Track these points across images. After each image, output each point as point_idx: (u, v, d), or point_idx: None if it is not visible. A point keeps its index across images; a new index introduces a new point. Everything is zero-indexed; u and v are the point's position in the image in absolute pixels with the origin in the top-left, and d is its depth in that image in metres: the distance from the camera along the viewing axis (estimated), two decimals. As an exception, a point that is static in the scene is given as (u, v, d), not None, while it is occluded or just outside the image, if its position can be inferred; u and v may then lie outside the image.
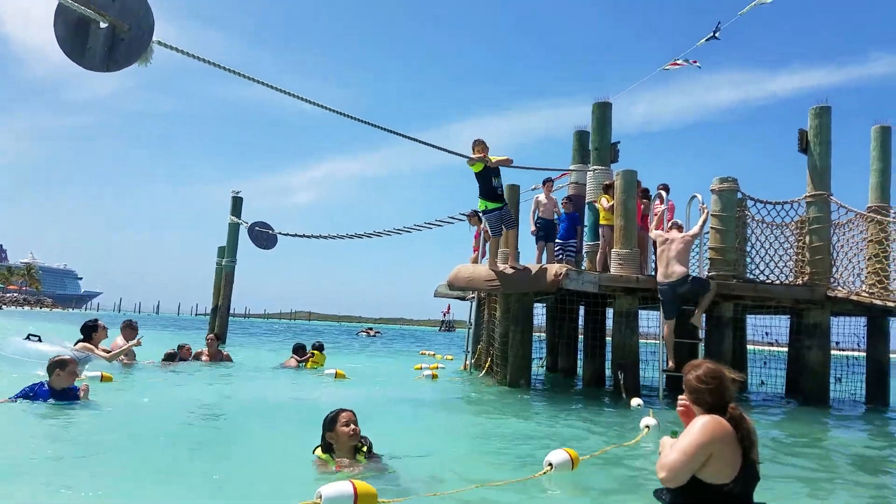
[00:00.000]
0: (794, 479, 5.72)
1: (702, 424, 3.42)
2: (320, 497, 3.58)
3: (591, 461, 5.44)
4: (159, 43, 6.08)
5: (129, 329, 11.28)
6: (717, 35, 13.10)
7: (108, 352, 10.51)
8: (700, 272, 12.68)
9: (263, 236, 25.29)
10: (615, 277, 11.26)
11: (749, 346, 14.78)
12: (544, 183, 13.20)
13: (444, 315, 76.23)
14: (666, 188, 12.03)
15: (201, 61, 6.56)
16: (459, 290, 13.18)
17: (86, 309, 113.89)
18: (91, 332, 10.29)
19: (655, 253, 10.77)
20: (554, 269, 10.61)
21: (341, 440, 4.53)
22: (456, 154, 10.55)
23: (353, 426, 4.55)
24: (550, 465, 4.91)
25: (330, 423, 4.57)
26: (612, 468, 5.54)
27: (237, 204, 25.36)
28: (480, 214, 11.62)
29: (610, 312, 12.94)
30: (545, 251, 12.88)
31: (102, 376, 9.13)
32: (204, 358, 13.01)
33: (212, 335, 14.28)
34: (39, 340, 10.32)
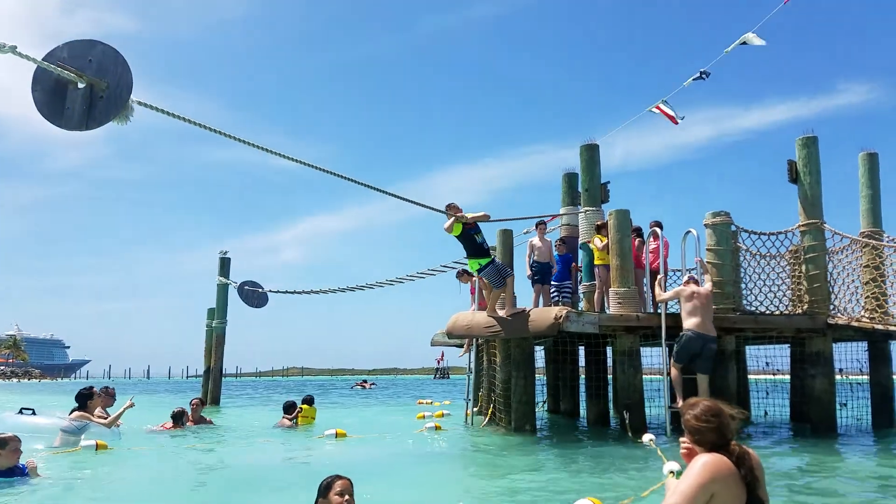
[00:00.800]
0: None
1: (701, 464, 3.31)
2: None
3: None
4: (139, 102, 6.02)
5: (107, 396, 10.93)
6: (704, 76, 13.34)
7: (106, 418, 10.21)
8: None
9: (254, 295, 25.11)
10: (615, 317, 11.19)
11: (750, 377, 14.68)
12: (537, 226, 13.20)
13: (439, 362, 75.62)
14: (659, 225, 12.07)
15: (182, 120, 6.54)
16: (458, 338, 13.03)
17: (75, 378, 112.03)
18: (86, 399, 9.98)
19: (680, 304, 10.63)
20: (554, 311, 10.52)
21: None
22: (433, 209, 10.44)
23: (347, 497, 4.23)
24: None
25: (325, 489, 4.23)
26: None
27: (225, 264, 25.22)
28: (476, 274, 11.42)
29: (609, 351, 12.87)
30: (541, 294, 12.85)
31: (98, 445, 8.86)
32: (188, 423, 12.68)
33: (196, 399, 13.87)
34: (34, 413, 10.07)
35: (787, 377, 13.83)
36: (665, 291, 11.08)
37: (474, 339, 13.20)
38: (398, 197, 9.31)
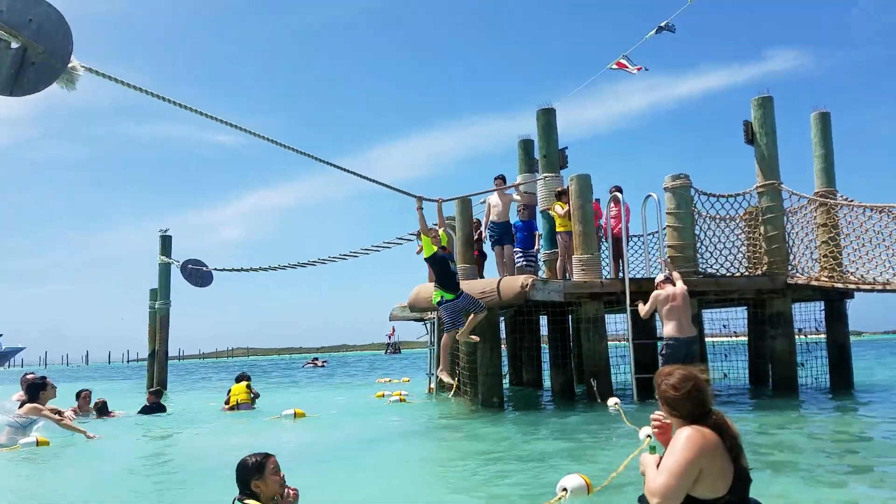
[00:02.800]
0: (790, 471, 5.67)
1: (686, 438, 3.11)
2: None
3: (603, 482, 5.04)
4: (86, 68, 5.43)
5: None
6: (669, 27, 13.11)
7: (60, 413, 9.39)
8: (652, 271, 12.59)
9: (198, 273, 24.10)
10: (579, 284, 11.01)
11: (707, 339, 14.81)
12: (495, 180, 12.51)
13: (390, 337, 75.37)
14: (619, 190, 11.89)
15: (133, 89, 5.91)
16: (420, 311, 12.67)
17: (9, 366, 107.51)
18: (38, 390, 9.22)
19: (658, 308, 10.06)
20: (519, 280, 10.25)
21: (270, 490, 3.83)
22: (401, 192, 9.17)
23: (281, 473, 3.91)
24: (565, 490, 4.52)
25: (258, 468, 3.83)
26: (626, 487, 5.16)
27: (166, 243, 24.11)
28: (436, 305, 9.61)
29: (571, 319, 12.70)
30: (503, 257, 12.37)
31: (38, 441, 8.22)
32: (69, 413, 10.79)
33: (87, 391, 13.03)
34: None
35: (744, 339, 13.99)
36: (645, 305, 10.31)
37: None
38: (368, 178, 8.61)
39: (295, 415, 11.05)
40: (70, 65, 5.30)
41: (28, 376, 10.46)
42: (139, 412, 12.84)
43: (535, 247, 12.64)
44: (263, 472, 3.83)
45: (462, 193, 11.72)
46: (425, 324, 15.89)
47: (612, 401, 9.76)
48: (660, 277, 10.23)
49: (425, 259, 9.23)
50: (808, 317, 12.52)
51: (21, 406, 9.10)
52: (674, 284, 10.04)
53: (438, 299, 9.16)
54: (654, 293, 10.11)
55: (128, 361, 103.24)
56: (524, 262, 12.33)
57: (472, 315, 9.22)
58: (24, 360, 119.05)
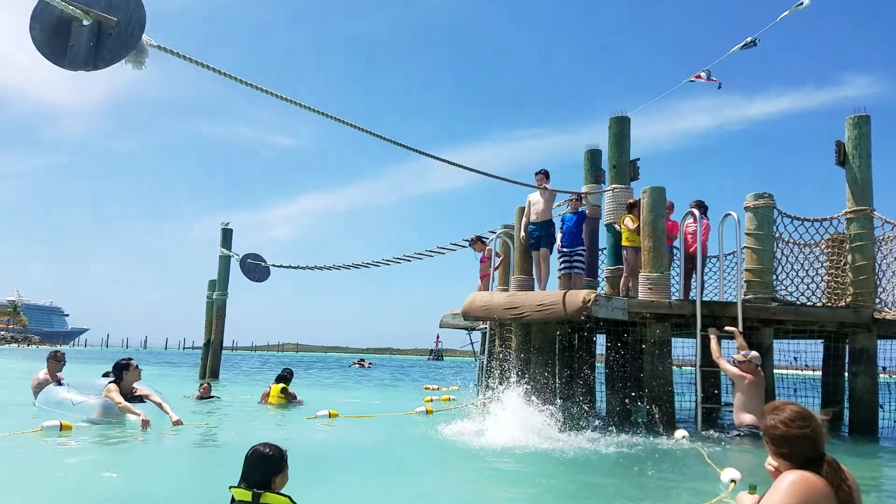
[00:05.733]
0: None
1: (788, 483, 2.73)
2: None
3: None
4: (155, 45, 5.33)
5: (55, 361, 11.15)
6: (755, 42, 12.46)
7: (142, 398, 9.27)
8: (726, 295, 11.87)
9: (256, 268, 24.44)
10: (645, 303, 10.41)
11: (775, 371, 13.93)
12: (536, 175, 11.55)
13: (437, 344, 75.29)
14: (700, 205, 11.20)
15: (199, 65, 5.74)
16: (474, 320, 12.25)
17: (73, 345, 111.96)
18: (122, 371, 9.08)
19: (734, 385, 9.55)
20: (582, 295, 9.73)
21: (282, 485, 3.67)
22: (516, 182, 9.38)
23: None
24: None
25: (285, 461, 3.67)
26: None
27: (227, 236, 24.49)
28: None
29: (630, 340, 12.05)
30: (540, 263, 11.49)
31: (62, 425, 8.03)
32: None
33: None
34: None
35: (813, 373, 13.06)
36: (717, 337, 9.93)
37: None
38: (459, 166, 8.34)
39: (329, 415, 10.83)
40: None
41: (58, 354, 11.32)
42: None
43: (592, 247, 11.84)
44: (286, 466, 3.70)
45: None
46: (469, 333, 15.49)
47: (679, 433, 9.09)
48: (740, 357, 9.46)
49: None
50: (891, 355, 11.59)
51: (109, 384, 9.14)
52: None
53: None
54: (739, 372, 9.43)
55: (183, 349, 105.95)
56: (569, 267, 11.22)
57: None
58: (87, 341, 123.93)
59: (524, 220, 11.67)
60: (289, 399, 12.90)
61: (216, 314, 23.69)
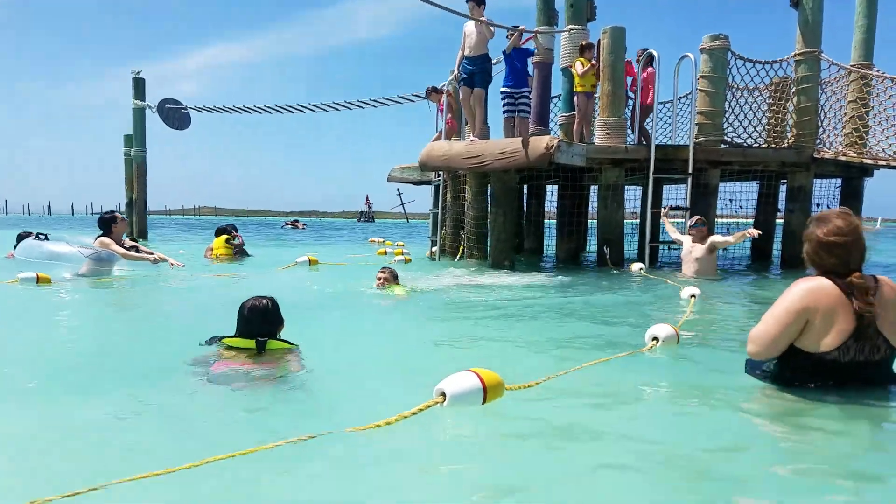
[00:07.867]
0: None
1: (798, 289, 2.94)
2: (443, 395, 2.75)
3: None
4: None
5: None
6: None
7: (136, 248, 9.06)
8: (676, 137, 12.11)
9: (176, 114, 22.99)
10: (603, 148, 10.50)
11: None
12: (468, 2, 10.07)
13: (367, 206, 74.39)
14: (649, 56, 11.03)
15: None
16: (433, 171, 12.02)
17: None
18: (110, 224, 8.74)
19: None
20: (544, 141, 9.64)
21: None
22: (445, 9, 8.87)
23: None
24: (656, 339, 4.35)
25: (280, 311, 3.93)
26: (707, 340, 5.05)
27: (139, 85, 22.74)
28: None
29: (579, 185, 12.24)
30: (470, 102, 10.45)
31: (39, 277, 7.57)
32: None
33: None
34: (46, 239, 9.89)
35: (747, 220, 13.75)
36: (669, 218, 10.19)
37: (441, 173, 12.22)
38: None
39: (310, 262, 10.70)
40: None
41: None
42: None
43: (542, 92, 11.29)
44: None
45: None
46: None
47: (636, 266, 9.79)
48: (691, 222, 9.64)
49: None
50: (824, 192, 12.35)
51: (95, 239, 8.73)
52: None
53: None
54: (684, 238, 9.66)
55: (92, 213, 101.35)
56: (514, 110, 10.26)
57: None
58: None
59: (459, 53, 10.52)
60: (236, 251, 12.15)
61: (136, 171, 22.48)
